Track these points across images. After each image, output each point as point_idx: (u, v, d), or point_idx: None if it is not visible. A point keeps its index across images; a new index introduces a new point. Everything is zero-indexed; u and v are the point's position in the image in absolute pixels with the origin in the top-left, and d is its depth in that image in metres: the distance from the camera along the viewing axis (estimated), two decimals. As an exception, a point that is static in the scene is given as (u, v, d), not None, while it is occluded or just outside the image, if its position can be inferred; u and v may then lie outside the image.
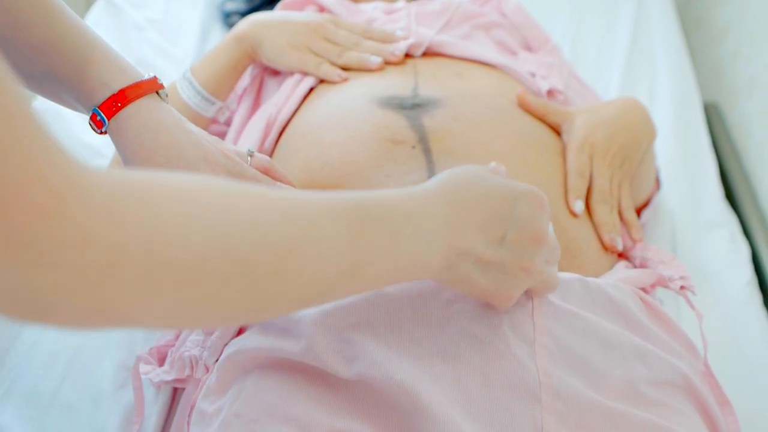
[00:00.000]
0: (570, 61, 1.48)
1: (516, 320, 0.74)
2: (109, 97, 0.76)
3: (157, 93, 0.79)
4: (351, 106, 0.95)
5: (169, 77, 1.34)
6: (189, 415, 0.79)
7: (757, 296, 1.15)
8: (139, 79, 0.77)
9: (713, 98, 1.58)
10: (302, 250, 0.54)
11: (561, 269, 0.84)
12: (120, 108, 0.76)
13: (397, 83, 0.99)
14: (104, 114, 0.76)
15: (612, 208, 0.95)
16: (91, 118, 0.77)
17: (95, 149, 1.22)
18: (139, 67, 1.37)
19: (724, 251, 1.20)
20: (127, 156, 0.78)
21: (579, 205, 0.91)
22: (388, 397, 0.69)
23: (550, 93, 1.08)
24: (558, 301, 0.76)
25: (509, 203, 0.67)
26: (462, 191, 0.66)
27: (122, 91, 0.76)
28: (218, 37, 1.49)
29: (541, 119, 0.99)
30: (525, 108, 0.99)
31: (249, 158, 0.85)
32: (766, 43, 1.40)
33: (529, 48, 1.19)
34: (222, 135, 1.14)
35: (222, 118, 1.13)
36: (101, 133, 0.78)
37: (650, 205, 1.13)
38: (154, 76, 0.79)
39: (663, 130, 1.37)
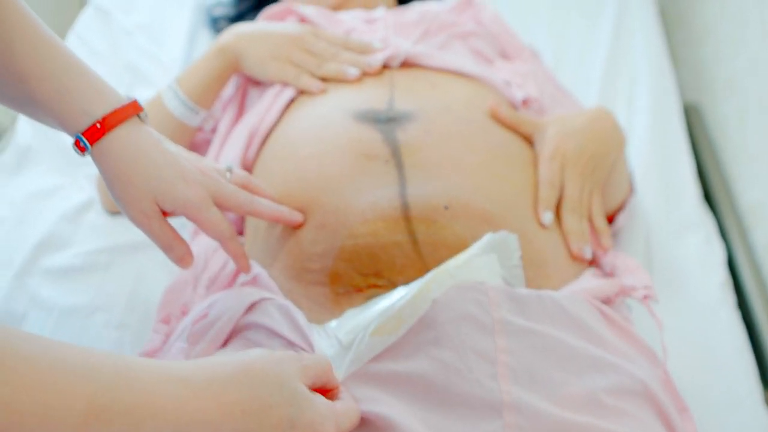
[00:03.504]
0: (552, 64, 1.51)
1: (479, 342, 0.77)
2: (91, 126, 0.79)
3: (138, 115, 0.82)
4: (327, 120, 0.98)
5: (156, 82, 1.38)
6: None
7: (730, 297, 1.17)
8: (119, 105, 0.80)
9: (694, 98, 1.61)
10: (30, 427, 0.56)
11: (528, 281, 0.88)
12: (101, 134, 0.79)
13: (373, 95, 1.02)
14: (86, 140, 0.79)
15: (581, 217, 0.98)
16: (74, 143, 0.80)
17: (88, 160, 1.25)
18: (127, 72, 1.41)
19: (699, 253, 1.22)
20: (109, 178, 0.81)
21: (548, 217, 0.94)
22: (360, 423, 0.74)
23: (525, 102, 1.11)
24: (518, 319, 0.80)
25: (282, 428, 0.66)
26: (242, 395, 0.65)
27: (104, 119, 0.79)
28: (205, 42, 1.51)
29: (513, 130, 1.02)
30: (497, 120, 1.01)
31: (228, 174, 0.89)
32: (744, 45, 1.42)
33: (505, 56, 1.22)
34: (207, 143, 1.18)
35: (207, 127, 1.17)
36: (83, 155, 0.81)
37: (625, 209, 1.16)
38: (134, 100, 0.82)
39: (641, 131, 1.40)
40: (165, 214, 0.84)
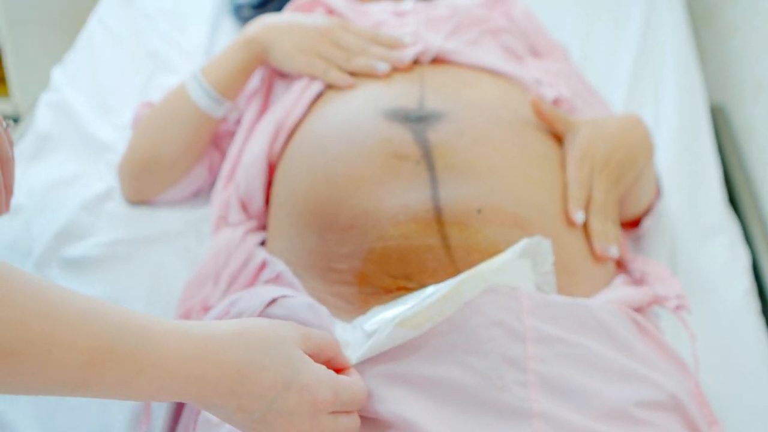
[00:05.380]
0: (579, 61, 1.49)
1: (510, 349, 0.76)
2: None
3: None
4: (357, 119, 0.96)
5: (178, 69, 1.36)
6: (194, 422, 0.82)
7: (755, 305, 1.16)
8: None
9: (720, 99, 1.58)
10: (34, 355, 0.57)
11: (559, 287, 0.86)
12: None
13: (403, 92, 1.00)
14: None
15: (606, 219, 0.96)
16: None
17: (107, 145, 1.24)
18: (149, 59, 1.39)
19: (724, 258, 1.21)
20: None
21: (580, 216, 0.92)
22: (385, 424, 0.73)
23: (556, 102, 1.09)
24: (550, 327, 0.78)
25: (277, 390, 0.66)
26: (238, 355, 0.65)
27: None
28: (228, 28, 1.49)
29: (548, 126, 1.00)
30: (537, 113, 0.99)
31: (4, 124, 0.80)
32: (775, 46, 1.40)
33: (536, 53, 1.20)
34: (230, 134, 1.16)
35: (231, 118, 1.15)
36: None
37: (651, 213, 1.15)
38: None
39: (668, 132, 1.38)
40: None
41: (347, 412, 0.71)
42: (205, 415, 0.80)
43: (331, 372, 0.70)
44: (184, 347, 0.63)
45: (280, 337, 0.68)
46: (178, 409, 0.92)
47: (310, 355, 0.70)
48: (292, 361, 0.67)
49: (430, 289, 0.80)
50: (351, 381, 0.71)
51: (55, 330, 0.57)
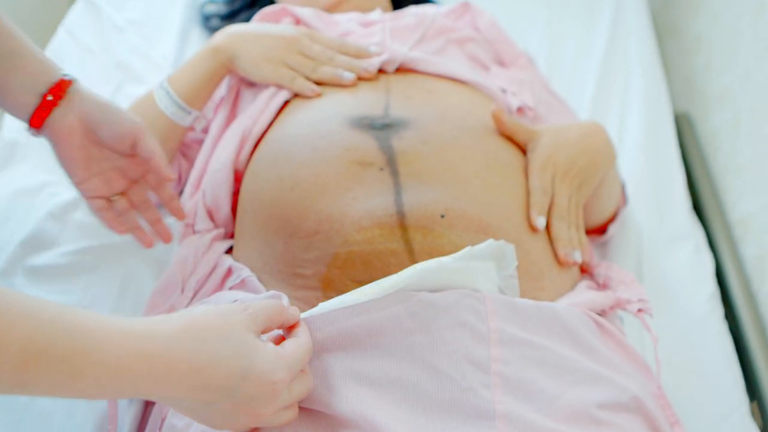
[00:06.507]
0: (546, 69, 1.51)
1: (473, 350, 0.77)
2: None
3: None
4: (322, 127, 0.97)
5: (147, 80, 1.36)
6: (159, 429, 0.82)
7: (719, 310, 1.18)
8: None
9: (685, 108, 1.61)
10: None
11: (523, 292, 0.87)
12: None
13: (368, 101, 1.01)
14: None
15: (569, 225, 0.97)
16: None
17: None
18: (118, 69, 1.39)
19: (689, 264, 1.23)
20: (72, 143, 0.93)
21: (541, 221, 0.94)
22: (347, 422, 0.73)
23: (520, 110, 1.10)
24: (514, 329, 0.79)
25: (234, 381, 0.66)
26: (187, 350, 0.64)
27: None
28: (197, 39, 1.50)
29: (510, 137, 1.01)
30: (498, 125, 1.00)
31: None
32: (736, 56, 1.43)
33: (501, 63, 1.21)
34: (198, 143, 1.16)
35: (199, 127, 1.15)
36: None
37: (617, 220, 1.16)
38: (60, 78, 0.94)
39: (633, 140, 1.40)
40: None
41: (299, 374, 0.71)
42: (171, 420, 0.79)
43: (278, 349, 0.69)
44: (126, 346, 0.61)
45: (228, 325, 0.67)
46: (144, 416, 0.92)
47: (259, 331, 0.69)
48: (243, 349, 0.66)
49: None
50: (296, 345, 0.71)
51: None
